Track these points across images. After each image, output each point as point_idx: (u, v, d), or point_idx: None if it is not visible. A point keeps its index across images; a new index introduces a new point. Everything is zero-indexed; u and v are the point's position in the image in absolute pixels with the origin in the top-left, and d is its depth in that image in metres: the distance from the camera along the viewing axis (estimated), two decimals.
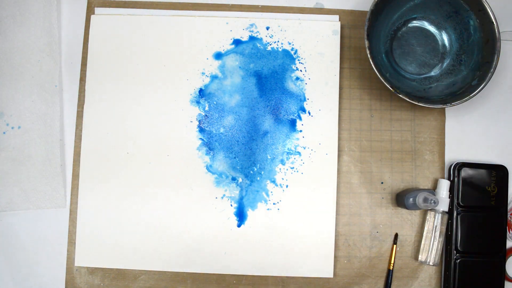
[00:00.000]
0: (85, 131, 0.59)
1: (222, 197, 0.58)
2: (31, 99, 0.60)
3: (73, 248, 0.57)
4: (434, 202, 0.52)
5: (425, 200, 0.53)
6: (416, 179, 0.59)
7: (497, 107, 0.61)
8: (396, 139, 0.60)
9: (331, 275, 0.57)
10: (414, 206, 0.54)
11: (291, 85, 0.59)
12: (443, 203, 0.56)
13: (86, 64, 0.60)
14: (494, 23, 0.54)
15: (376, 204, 0.59)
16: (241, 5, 0.61)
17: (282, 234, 0.57)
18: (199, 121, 0.59)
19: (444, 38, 0.60)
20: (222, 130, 0.59)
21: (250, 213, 0.57)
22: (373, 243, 0.58)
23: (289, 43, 0.60)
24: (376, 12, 0.55)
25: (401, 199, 0.56)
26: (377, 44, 0.58)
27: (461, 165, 0.57)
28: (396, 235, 0.58)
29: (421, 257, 0.57)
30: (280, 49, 0.60)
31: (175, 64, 0.60)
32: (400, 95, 0.53)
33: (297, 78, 0.59)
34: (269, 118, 0.59)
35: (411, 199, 0.54)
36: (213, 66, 0.60)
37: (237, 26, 0.60)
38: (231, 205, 0.58)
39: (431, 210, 0.57)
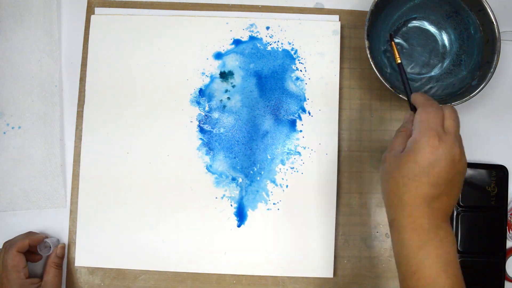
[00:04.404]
0: (85, 131, 0.59)
1: (222, 197, 0.58)
2: (31, 99, 0.60)
3: (73, 248, 0.57)
4: None
5: None
6: None
7: (497, 107, 0.61)
8: None
9: (331, 275, 0.57)
10: None
11: (291, 85, 0.59)
12: None
13: (86, 64, 0.60)
14: (494, 23, 0.54)
15: (376, 204, 0.59)
16: (241, 5, 0.61)
17: (282, 234, 0.57)
18: (199, 121, 0.59)
19: (444, 38, 0.60)
20: (222, 130, 0.59)
21: (250, 213, 0.57)
22: (373, 243, 0.58)
23: (289, 43, 0.60)
24: (376, 12, 0.55)
25: None
26: (377, 44, 0.58)
27: None
28: (390, 35, 0.56)
29: None
30: (280, 49, 0.60)
31: (175, 64, 0.60)
32: (400, 95, 0.53)
33: (297, 78, 0.59)
34: (269, 118, 0.59)
35: None
36: (213, 66, 0.60)
37: (237, 26, 0.60)
38: (231, 205, 0.58)
39: None
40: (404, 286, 0.39)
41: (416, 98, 0.44)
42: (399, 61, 0.51)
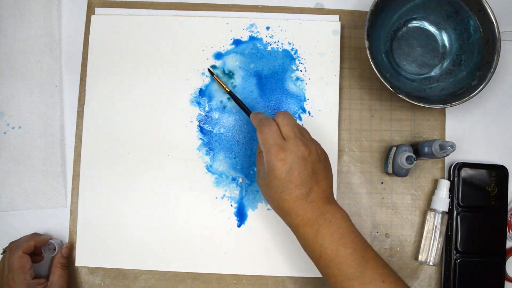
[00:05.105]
0: (85, 131, 0.59)
1: (222, 197, 0.58)
2: (32, 99, 0.60)
3: (74, 248, 0.57)
4: (452, 147, 0.51)
5: (442, 147, 0.51)
6: (416, 179, 0.59)
7: (497, 107, 0.61)
8: (396, 139, 0.60)
9: None
10: (430, 155, 0.53)
11: (291, 85, 0.59)
12: (443, 203, 0.56)
13: (86, 64, 0.60)
14: (494, 23, 0.54)
15: (376, 204, 0.59)
16: (241, 5, 0.62)
17: (282, 234, 0.57)
18: (199, 121, 0.59)
19: (444, 38, 0.60)
20: (222, 130, 0.59)
21: (250, 213, 0.57)
22: (373, 243, 0.58)
23: (289, 43, 0.60)
24: (376, 12, 0.55)
25: (415, 150, 0.56)
26: (377, 44, 0.58)
27: (461, 165, 0.57)
28: (209, 70, 0.59)
29: (421, 257, 0.57)
30: (280, 49, 0.60)
31: (175, 64, 0.60)
32: (400, 95, 0.53)
33: (297, 78, 0.59)
34: None
35: (426, 148, 0.53)
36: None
37: (237, 26, 0.60)
38: (231, 205, 0.58)
39: (431, 210, 0.57)
40: (319, 269, 0.45)
41: (252, 120, 0.50)
42: (228, 90, 0.57)
